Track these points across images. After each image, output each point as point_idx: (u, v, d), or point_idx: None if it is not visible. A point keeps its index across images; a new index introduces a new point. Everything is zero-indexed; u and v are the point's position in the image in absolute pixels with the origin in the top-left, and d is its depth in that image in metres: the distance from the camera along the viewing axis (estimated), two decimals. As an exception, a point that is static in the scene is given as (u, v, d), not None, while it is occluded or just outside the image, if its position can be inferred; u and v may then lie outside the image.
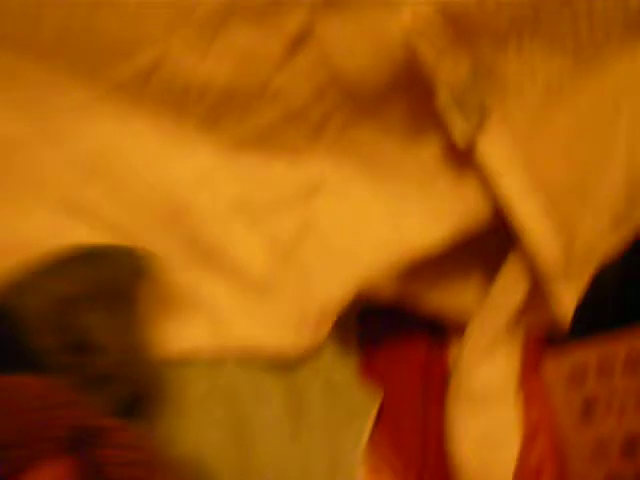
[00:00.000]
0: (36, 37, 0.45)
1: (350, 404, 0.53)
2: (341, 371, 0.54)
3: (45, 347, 0.39)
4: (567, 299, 0.47)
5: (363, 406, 0.53)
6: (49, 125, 0.47)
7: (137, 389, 0.44)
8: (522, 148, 0.42)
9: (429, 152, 0.46)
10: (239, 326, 0.50)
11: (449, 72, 0.40)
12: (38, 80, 0.46)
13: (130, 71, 0.45)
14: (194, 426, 0.48)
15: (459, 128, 0.42)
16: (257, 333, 0.50)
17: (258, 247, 0.49)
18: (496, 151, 0.42)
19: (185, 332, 0.49)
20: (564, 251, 0.44)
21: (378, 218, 0.47)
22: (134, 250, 0.46)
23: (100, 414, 0.35)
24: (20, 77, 0.46)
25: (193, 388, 0.49)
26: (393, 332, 0.57)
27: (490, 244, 0.51)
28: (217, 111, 0.46)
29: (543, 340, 0.56)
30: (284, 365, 0.51)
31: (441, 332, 0.59)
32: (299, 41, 0.43)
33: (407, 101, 0.44)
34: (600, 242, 0.45)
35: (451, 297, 0.53)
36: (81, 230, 0.48)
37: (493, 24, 0.39)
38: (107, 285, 0.43)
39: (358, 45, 0.42)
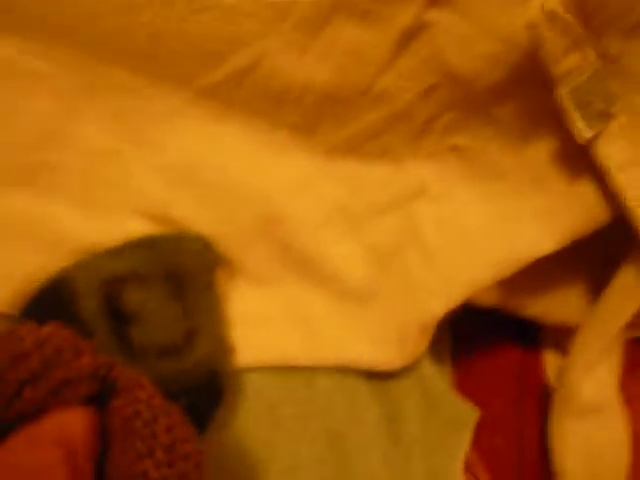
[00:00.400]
0: (129, 45, 0.43)
1: (447, 417, 0.51)
2: (437, 383, 0.51)
3: (89, 315, 0.42)
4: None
5: (461, 419, 0.51)
6: (141, 134, 0.45)
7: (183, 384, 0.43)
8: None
9: (541, 153, 0.43)
10: (335, 337, 0.47)
11: (574, 70, 0.37)
12: (131, 89, 0.44)
13: (224, 74, 0.43)
14: (290, 440, 0.46)
15: (579, 131, 0.39)
16: (354, 345, 0.47)
17: (356, 255, 0.47)
18: (616, 152, 0.40)
19: (278, 342, 0.47)
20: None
21: (484, 225, 0.45)
22: (200, 237, 0.45)
23: (124, 369, 0.35)
24: (113, 87, 0.44)
25: (287, 401, 0.47)
26: (484, 339, 0.55)
27: (597, 249, 0.48)
28: (315, 114, 0.44)
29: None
30: (379, 377, 0.49)
31: (534, 340, 0.57)
32: (409, 38, 0.40)
33: (521, 100, 0.42)
34: None
35: (553, 304, 0.50)
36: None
37: (625, 16, 0.36)
38: (163, 267, 0.44)
39: (476, 40, 0.39)
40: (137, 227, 0.46)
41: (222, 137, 0.46)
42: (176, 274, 0.45)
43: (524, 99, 0.41)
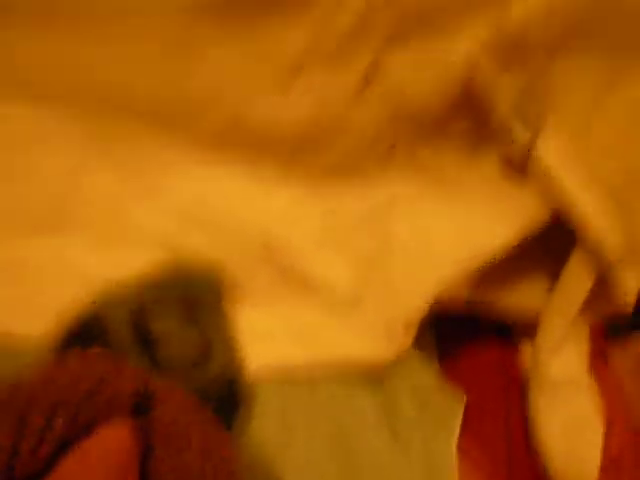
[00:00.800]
0: (131, 103, 0.51)
1: (438, 407, 0.57)
2: (426, 377, 0.57)
3: (119, 345, 0.47)
4: (631, 285, 0.51)
5: (450, 408, 0.57)
6: (149, 181, 0.53)
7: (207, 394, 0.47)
8: (577, 142, 0.47)
9: (489, 164, 0.51)
10: (331, 342, 0.54)
11: (508, 88, 0.46)
12: (137, 141, 0.52)
13: (217, 119, 0.51)
14: (302, 441, 0.52)
15: (520, 137, 0.47)
16: (349, 347, 0.54)
17: (344, 266, 0.54)
18: (552, 149, 0.47)
19: (281, 352, 0.53)
20: (626, 237, 0.48)
21: (449, 227, 0.52)
22: (208, 267, 0.52)
23: (156, 380, 0.40)
24: (120, 140, 0.53)
25: (295, 404, 0.53)
26: (466, 338, 0.62)
27: (553, 244, 0.55)
28: (299, 147, 0.52)
29: (606, 331, 0.60)
30: (374, 376, 0.55)
31: (511, 336, 0.63)
32: (369, 76, 0.48)
33: (467, 120, 0.50)
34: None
35: (519, 298, 0.57)
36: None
37: (545, 37, 0.44)
38: (180, 297, 0.51)
39: (422, 73, 0.47)
40: (151, 261, 0.52)
41: (221, 177, 0.53)
42: (190, 300, 0.51)
43: (469, 120, 0.50)
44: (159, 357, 0.48)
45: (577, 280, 0.52)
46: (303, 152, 0.52)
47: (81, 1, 0.47)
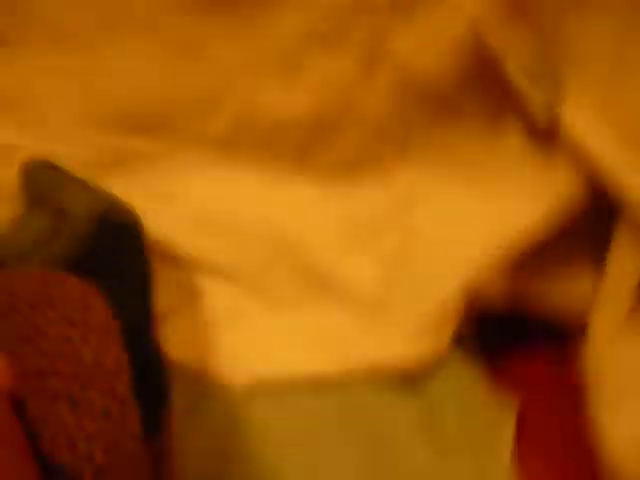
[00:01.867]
0: (133, 109, 0.50)
1: (486, 416, 0.51)
2: (470, 382, 0.52)
3: None
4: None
5: (501, 416, 0.51)
6: (165, 188, 0.52)
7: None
8: (604, 103, 0.43)
9: (512, 140, 0.48)
10: (360, 345, 0.50)
11: (515, 47, 0.43)
12: (148, 154, 0.52)
13: (224, 120, 0.50)
14: (333, 448, 0.48)
15: (537, 101, 0.44)
16: (379, 349, 0.50)
17: (368, 264, 0.50)
18: (579, 116, 0.44)
19: (306, 358, 0.50)
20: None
21: (475, 213, 0.49)
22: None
23: None
24: (132, 155, 0.52)
25: (325, 412, 0.49)
26: (514, 343, 0.56)
27: (597, 232, 0.50)
28: (307, 142, 0.50)
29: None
30: (412, 381, 0.51)
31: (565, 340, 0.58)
32: (372, 55, 0.47)
33: (483, 92, 0.47)
34: None
35: (566, 289, 0.52)
36: (204, 281, 0.52)
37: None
38: None
39: (428, 46, 0.45)
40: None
41: (231, 180, 0.52)
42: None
43: (485, 92, 0.47)
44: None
45: (625, 257, 0.47)
46: (314, 146, 0.50)
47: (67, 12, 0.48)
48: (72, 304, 0.32)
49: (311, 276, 0.51)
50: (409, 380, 0.50)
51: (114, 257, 0.45)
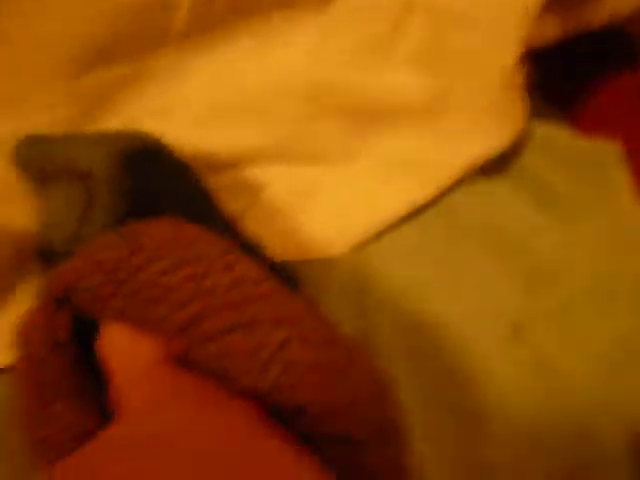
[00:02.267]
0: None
1: (593, 167, 0.48)
2: (565, 140, 0.49)
3: None
4: None
5: (608, 163, 0.48)
6: (159, 102, 0.47)
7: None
8: None
9: None
10: (449, 154, 0.47)
11: None
12: (126, 75, 0.46)
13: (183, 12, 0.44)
14: (470, 257, 0.45)
15: None
16: (466, 151, 0.46)
17: (411, 74, 0.46)
18: None
19: (407, 188, 0.47)
20: None
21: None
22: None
23: None
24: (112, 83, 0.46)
25: (448, 230, 0.46)
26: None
27: None
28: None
29: None
30: (512, 165, 0.48)
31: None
32: None
33: None
34: None
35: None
36: (259, 173, 0.48)
37: None
38: None
39: None
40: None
41: (226, 62, 0.46)
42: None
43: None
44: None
45: None
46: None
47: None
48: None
49: (358, 114, 0.46)
50: (508, 166, 0.48)
51: (159, 185, 0.41)
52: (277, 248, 0.42)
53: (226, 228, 0.41)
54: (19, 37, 0.41)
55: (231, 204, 0.43)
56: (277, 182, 0.47)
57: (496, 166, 0.47)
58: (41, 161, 0.42)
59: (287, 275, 0.39)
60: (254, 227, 0.43)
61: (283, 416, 0.24)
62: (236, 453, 0.21)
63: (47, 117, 0.43)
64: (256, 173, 0.47)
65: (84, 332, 0.28)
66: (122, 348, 0.27)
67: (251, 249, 0.40)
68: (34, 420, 0.27)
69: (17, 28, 0.40)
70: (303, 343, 0.25)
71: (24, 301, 0.42)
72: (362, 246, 0.45)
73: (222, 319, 0.25)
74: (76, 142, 0.42)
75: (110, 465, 0.20)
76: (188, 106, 0.47)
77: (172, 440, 0.21)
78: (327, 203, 0.47)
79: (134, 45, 0.44)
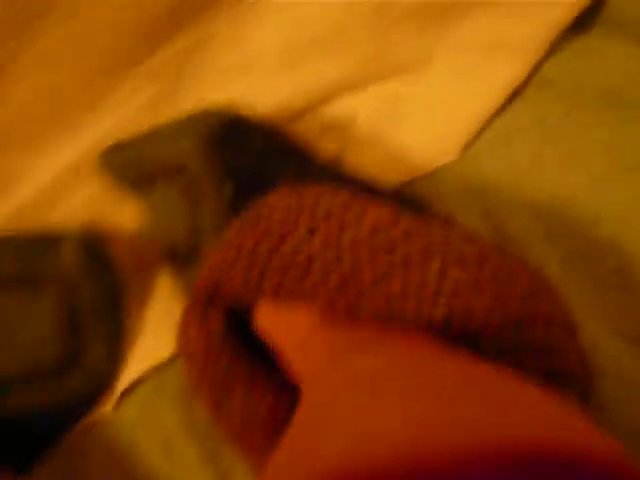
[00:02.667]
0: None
1: None
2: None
3: None
4: None
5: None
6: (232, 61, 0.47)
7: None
8: None
9: None
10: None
11: None
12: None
13: None
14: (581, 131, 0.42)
15: None
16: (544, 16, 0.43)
17: None
18: None
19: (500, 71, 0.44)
20: None
21: None
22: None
23: None
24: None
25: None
26: None
27: None
28: None
29: None
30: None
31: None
32: None
33: None
34: None
35: None
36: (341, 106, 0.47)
37: None
38: None
39: None
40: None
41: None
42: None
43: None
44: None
45: None
46: None
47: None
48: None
49: (428, 10, 0.44)
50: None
51: (253, 155, 0.40)
52: (385, 175, 0.41)
53: (331, 173, 0.40)
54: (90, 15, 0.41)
55: (326, 146, 0.43)
56: (362, 110, 0.46)
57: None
58: (133, 166, 0.43)
59: (410, 199, 0.38)
60: (356, 162, 0.43)
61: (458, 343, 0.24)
62: (456, 380, 0.21)
63: (132, 106, 0.44)
64: (340, 108, 0.46)
65: (237, 322, 0.29)
66: (282, 323, 0.27)
67: (363, 185, 0.39)
68: (221, 413, 0.28)
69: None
70: (460, 264, 0.24)
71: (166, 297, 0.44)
72: (468, 146, 0.43)
73: (376, 266, 0.24)
74: (160, 138, 0.42)
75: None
76: (261, 58, 0.46)
77: (380, 378, 0.21)
78: (416, 115, 0.45)
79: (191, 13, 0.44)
